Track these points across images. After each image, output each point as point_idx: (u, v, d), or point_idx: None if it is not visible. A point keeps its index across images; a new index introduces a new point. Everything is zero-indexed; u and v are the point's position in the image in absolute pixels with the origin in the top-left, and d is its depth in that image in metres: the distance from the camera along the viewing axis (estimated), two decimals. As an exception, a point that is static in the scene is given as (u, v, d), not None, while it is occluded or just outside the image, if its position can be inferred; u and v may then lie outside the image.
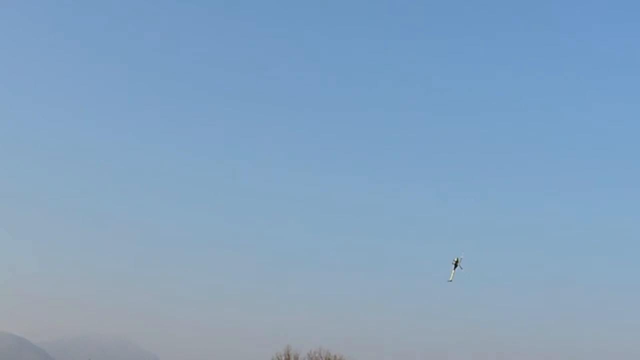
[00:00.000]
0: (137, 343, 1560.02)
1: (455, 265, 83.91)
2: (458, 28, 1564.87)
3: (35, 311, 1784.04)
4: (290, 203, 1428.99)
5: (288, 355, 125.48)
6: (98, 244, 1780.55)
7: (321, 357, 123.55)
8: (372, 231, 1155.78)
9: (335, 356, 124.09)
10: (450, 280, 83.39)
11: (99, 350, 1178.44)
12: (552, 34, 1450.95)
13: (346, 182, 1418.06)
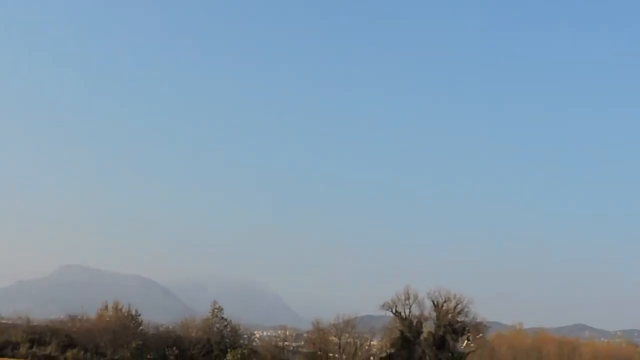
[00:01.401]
0: (261, 284, 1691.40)
1: None
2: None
3: (164, 255, 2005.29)
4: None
5: (408, 294, 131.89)
6: (238, 195, 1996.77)
7: (440, 297, 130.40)
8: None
9: (455, 295, 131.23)
10: None
11: (224, 290, 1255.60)
12: None
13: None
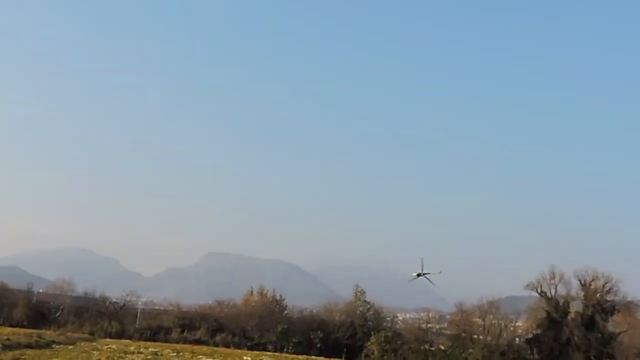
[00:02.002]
0: (399, 266, 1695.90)
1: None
2: None
3: (307, 241, 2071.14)
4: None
5: (553, 274, 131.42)
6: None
7: (588, 275, 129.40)
8: None
9: (603, 273, 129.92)
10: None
11: (366, 274, 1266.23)
12: None
13: None
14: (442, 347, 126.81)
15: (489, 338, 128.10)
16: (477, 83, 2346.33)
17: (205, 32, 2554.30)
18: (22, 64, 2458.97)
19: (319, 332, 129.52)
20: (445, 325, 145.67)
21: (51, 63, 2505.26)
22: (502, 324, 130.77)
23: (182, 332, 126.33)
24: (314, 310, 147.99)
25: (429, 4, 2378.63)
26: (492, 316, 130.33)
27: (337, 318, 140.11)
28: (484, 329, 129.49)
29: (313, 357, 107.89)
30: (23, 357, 46.12)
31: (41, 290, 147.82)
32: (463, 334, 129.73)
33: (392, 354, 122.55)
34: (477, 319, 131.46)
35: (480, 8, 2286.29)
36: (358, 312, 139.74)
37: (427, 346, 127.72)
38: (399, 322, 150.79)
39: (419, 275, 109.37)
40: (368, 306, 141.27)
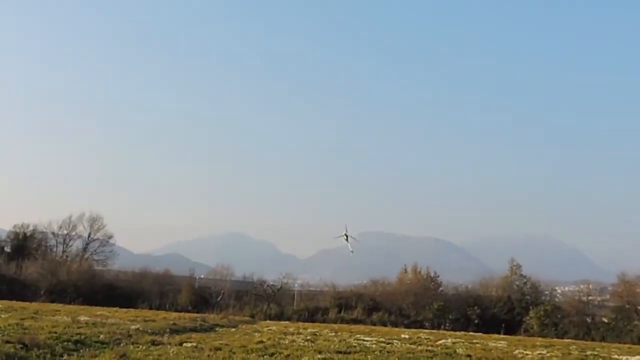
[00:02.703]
0: (558, 238, 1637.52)
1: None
2: None
3: (458, 216, 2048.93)
4: None
5: None
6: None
7: None
8: None
9: None
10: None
11: (521, 247, 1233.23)
12: None
13: None
14: (605, 320, 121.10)
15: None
16: None
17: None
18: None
19: (475, 307, 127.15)
20: (607, 297, 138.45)
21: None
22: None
23: (339, 312, 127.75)
24: (469, 286, 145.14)
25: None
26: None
27: (493, 293, 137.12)
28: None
29: (471, 333, 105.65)
30: (190, 339, 47.79)
31: (202, 276, 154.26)
32: (627, 306, 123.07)
33: (552, 328, 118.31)
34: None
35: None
36: (514, 286, 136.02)
37: (588, 319, 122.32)
38: (557, 295, 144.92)
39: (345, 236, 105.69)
40: (525, 280, 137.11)
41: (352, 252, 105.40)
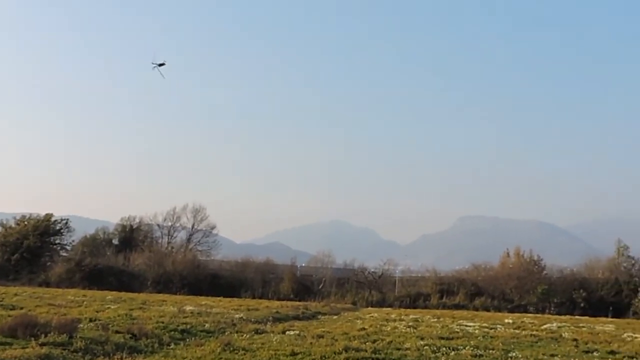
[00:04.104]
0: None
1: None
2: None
3: (561, 197, 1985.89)
4: None
5: None
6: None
7: None
8: None
9: None
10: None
11: (625, 230, 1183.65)
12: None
13: None
14: None
15: None
16: None
17: None
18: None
19: (581, 291, 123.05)
20: None
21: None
22: None
23: (441, 297, 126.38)
24: (574, 269, 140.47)
25: None
26: None
27: (600, 276, 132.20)
28: None
29: (577, 316, 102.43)
30: (292, 327, 48.31)
31: (303, 265, 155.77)
32: None
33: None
34: None
35: None
36: (622, 268, 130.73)
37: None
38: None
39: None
40: (633, 262, 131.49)
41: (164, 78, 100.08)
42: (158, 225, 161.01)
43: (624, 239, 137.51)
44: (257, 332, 44.47)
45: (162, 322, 45.22)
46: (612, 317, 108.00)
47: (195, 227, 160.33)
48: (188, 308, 62.76)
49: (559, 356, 37.71)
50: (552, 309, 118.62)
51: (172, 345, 35.11)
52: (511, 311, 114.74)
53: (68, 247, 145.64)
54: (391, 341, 41.33)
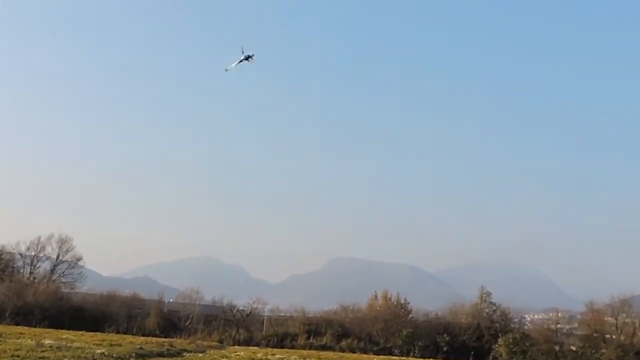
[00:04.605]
0: (525, 264, 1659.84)
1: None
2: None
3: (429, 243, 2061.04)
4: None
5: None
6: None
7: None
8: None
9: None
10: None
11: (489, 275, 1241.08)
12: None
13: None
14: (573, 348, 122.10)
15: (622, 338, 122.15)
16: None
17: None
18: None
19: (445, 335, 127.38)
20: (576, 325, 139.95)
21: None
22: (637, 322, 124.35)
23: (308, 338, 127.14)
24: (439, 313, 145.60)
25: None
26: (625, 315, 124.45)
27: (463, 320, 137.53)
28: (617, 328, 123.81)
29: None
30: (155, 365, 47.39)
31: (171, 300, 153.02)
32: (595, 334, 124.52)
33: (521, 356, 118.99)
34: (609, 318, 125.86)
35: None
36: (484, 313, 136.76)
37: (557, 347, 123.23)
38: (527, 323, 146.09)
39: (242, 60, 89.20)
40: (494, 307, 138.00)
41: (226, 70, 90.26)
42: (20, 254, 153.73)
43: (486, 285, 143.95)
44: (118, 368, 43.40)
45: (18, 356, 43.40)
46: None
47: (61, 257, 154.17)
48: (47, 342, 60.33)
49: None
50: (417, 352, 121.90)
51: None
52: (377, 353, 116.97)
53: None
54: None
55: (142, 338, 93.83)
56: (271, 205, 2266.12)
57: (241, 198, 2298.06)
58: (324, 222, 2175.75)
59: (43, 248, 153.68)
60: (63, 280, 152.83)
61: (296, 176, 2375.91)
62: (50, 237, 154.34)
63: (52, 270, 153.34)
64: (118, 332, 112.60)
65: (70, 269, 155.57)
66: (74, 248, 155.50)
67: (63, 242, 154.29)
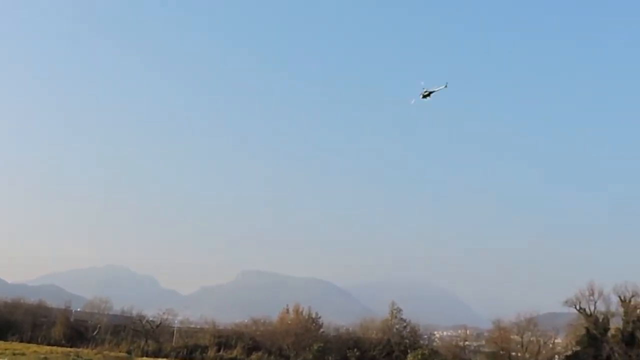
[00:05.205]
0: (432, 282, 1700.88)
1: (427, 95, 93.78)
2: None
3: (340, 258, 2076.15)
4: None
5: (592, 290, 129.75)
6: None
7: (628, 291, 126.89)
8: None
9: None
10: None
11: (398, 291, 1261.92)
12: None
13: None
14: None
15: (527, 355, 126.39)
16: None
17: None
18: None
19: (355, 350, 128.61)
20: (483, 342, 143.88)
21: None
22: (541, 341, 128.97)
23: (218, 350, 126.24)
24: (350, 328, 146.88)
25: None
26: (530, 333, 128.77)
27: (373, 336, 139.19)
28: (522, 346, 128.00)
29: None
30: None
31: (79, 309, 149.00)
32: (501, 352, 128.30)
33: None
34: (515, 336, 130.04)
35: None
36: (394, 329, 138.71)
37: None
38: (436, 339, 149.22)
39: (428, 94, 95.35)
40: (404, 324, 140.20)
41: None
42: None
43: (397, 302, 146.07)
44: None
45: None
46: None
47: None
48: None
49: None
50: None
51: None
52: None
53: None
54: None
55: (47, 347, 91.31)
56: (184, 216, 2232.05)
57: (154, 209, 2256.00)
58: (236, 234, 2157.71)
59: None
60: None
61: (209, 192, 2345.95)
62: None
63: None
64: (22, 341, 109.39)
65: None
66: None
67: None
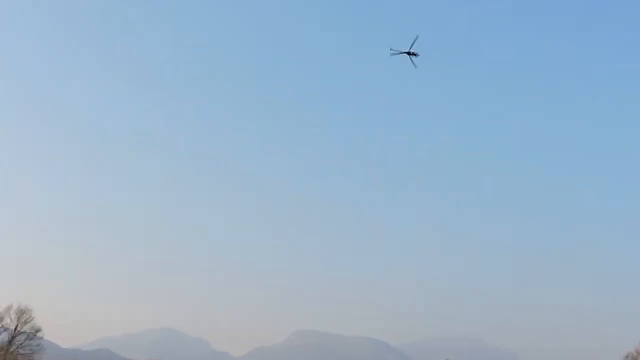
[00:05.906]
0: (490, 342, 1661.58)
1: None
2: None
3: (395, 317, 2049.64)
4: None
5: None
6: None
7: None
8: None
9: None
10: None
11: (455, 350, 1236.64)
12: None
13: None
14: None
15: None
16: None
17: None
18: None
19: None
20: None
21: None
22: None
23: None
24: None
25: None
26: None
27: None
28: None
29: None
30: None
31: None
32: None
33: None
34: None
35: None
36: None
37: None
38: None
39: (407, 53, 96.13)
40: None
41: (416, 67, 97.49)
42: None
43: (450, 356, 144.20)
44: None
45: None
46: None
47: (19, 329, 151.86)
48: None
49: None
50: None
51: None
52: None
53: None
54: None
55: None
56: (236, 278, 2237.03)
57: (203, 272, 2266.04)
58: (289, 294, 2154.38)
59: (1, 319, 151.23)
60: (21, 352, 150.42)
61: (265, 256, 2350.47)
62: (9, 309, 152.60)
63: (10, 342, 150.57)
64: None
65: (29, 340, 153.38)
66: (33, 319, 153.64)
67: (22, 313, 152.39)
